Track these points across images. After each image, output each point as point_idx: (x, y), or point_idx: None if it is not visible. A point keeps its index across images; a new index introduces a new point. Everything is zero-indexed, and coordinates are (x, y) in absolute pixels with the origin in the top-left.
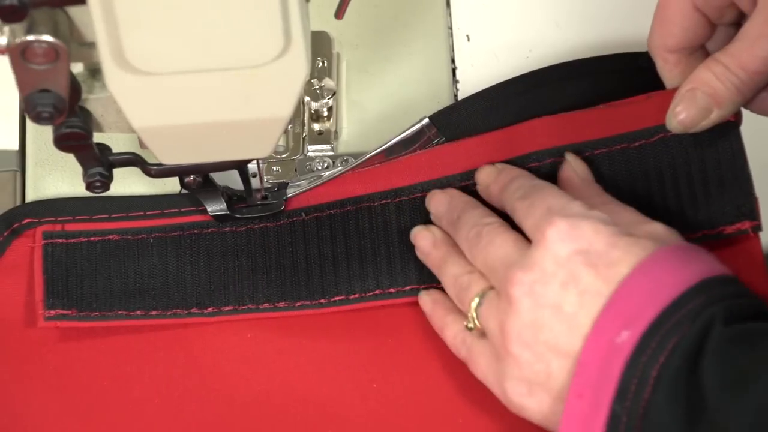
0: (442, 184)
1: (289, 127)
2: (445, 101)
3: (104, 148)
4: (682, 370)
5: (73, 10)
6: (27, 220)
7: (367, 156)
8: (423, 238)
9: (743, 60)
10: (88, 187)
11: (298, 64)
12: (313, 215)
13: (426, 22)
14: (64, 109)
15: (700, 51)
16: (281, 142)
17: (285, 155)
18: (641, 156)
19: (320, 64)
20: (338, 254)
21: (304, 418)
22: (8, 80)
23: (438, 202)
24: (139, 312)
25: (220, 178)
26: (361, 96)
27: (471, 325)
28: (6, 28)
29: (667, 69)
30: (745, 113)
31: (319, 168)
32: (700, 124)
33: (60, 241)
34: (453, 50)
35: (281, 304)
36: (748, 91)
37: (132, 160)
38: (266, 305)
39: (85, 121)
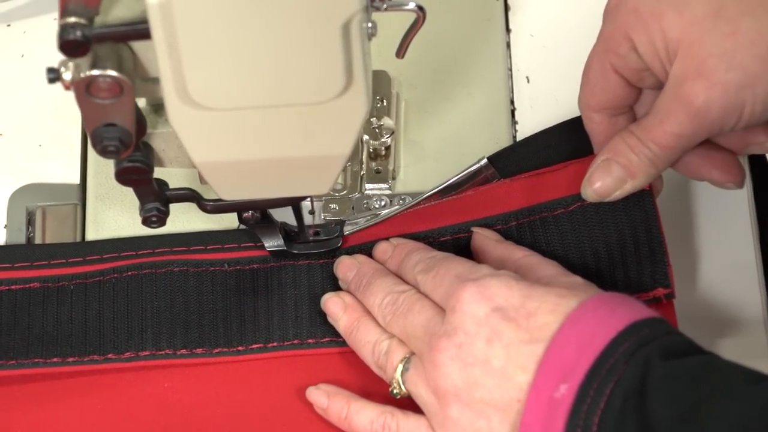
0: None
1: (348, 165)
2: (504, 143)
3: (162, 184)
4: (625, 412)
5: (138, 46)
6: None
7: (425, 195)
8: (334, 305)
9: (654, 135)
10: (145, 222)
11: (358, 103)
12: (235, 267)
13: (486, 63)
14: (130, 143)
15: (626, 114)
16: (339, 180)
17: (343, 193)
18: (559, 225)
19: (379, 103)
20: (259, 303)
21: None
22: (70, 115)
23: (346, 268)
24: (56, 359)
25: (277, 213)
26: (419, 136)
27: (396, 390)
28: (71, 63)
29: (589, 128)
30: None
31: (377, 206)
32: (614, 194)
33: None
34: (512, 92)
35: (199, 351)
36: (662, 164)
37: (189, 195)
38: (184, 351)
39: (146, 155)
